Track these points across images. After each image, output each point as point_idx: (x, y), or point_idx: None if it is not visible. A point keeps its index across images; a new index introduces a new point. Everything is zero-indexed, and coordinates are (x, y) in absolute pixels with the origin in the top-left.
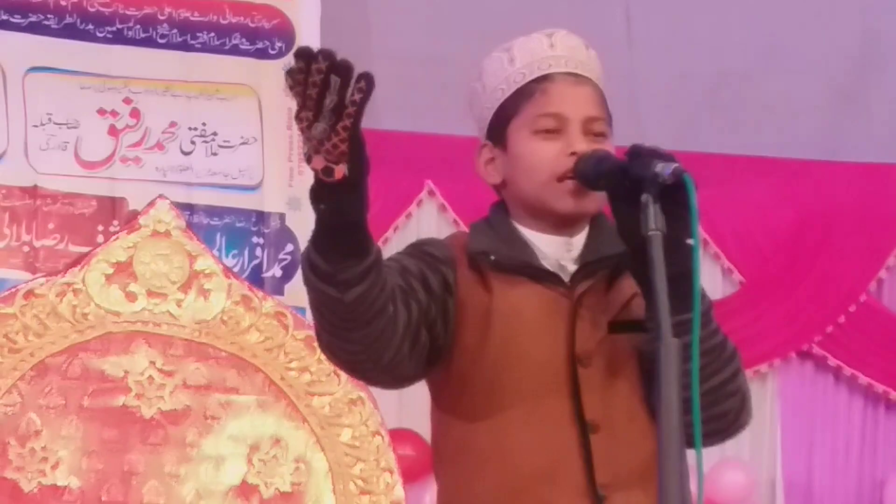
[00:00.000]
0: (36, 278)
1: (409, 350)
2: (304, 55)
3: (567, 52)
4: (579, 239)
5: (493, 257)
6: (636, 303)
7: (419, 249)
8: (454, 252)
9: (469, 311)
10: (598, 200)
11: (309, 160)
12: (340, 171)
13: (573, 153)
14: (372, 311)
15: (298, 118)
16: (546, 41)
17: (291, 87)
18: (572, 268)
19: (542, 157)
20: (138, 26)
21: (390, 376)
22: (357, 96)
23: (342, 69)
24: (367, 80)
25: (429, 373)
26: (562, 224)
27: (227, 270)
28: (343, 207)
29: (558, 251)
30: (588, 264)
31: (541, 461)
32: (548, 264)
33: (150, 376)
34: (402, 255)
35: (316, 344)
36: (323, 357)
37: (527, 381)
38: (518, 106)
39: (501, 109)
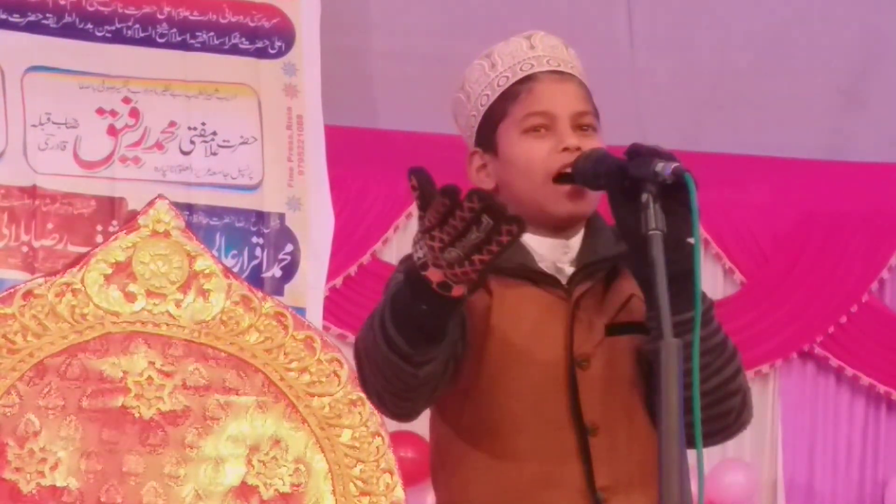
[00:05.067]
0: (35, 278)
1: (444, 386)
2: (453, 195)
3: (548, 51)
4: (575, 241)
5: None
6: (634, 304)
7: None
8: None
9: (474, 315)
10: (593, 202)
11: (423, 267)
12: (460, 290)
13: (565, 148)
14: (436, 377)
15: (431, 236)
16: (525, 43)
17: (415, 190)
18: (569, 270)
19: (534, 156)
20: (137, 25)
21: (419, 413)
22: (506, 238)
23: (495, 212)
24: (520, 226)
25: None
26: (558, 227)
27: (227, 270)
28: (444, 314)
29: (555, 253)
30: (585, 266)
31: (540, 464)
32: (545, 267)
33: (150, 377)
34: None
35: (316, 346)
36: (323, 357)
37: (526, 383)
38: (505, 109)
39: (488, 115)
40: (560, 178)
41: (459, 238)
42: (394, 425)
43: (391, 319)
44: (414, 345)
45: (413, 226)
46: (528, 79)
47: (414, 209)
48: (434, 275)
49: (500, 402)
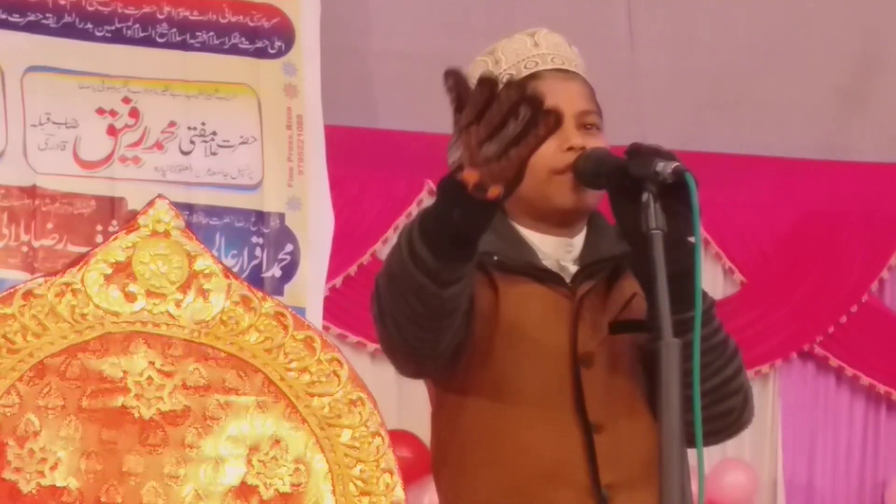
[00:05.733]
0: (35, 278)
1: (463, 331)
2: (490, 85)
3: (552, 49)
4: (578, 239)
5: (496, 257)
6: (636, 302)
7: None
8: None
9: (478, 310)
10: (597, 195)
11: (459, 169)
12: (496, 191)
13: (570, 148)
14: (459, 307)
15: (468, 132)
16: (529, 41)
17: (451, 91)
18: (572, 268)
19: (539, 155)
20: (137, 25)
21: (432, 363)
22: (544, 130)
23: (534, 102)
24: (557, 119)
25: (441, 371)
26: (562, 220)
27: (227, 270)
28: (478, 221)
29: (558, 251)
30: (589, 265)
31: (545, 461)
32: (549, 264)
33: (150, 377)
34: None
35: (316, 346)
36: (323, 357)
37: (531, 381)
38: None
39: None
40: (562, 174)
41: (497, 132)
42: (392, 425)
43: (419, 236)
44: (442, 259)
45: None
46: (533, 77)
47: (414, 209)
48: (470, 176)
49: (504, 399)
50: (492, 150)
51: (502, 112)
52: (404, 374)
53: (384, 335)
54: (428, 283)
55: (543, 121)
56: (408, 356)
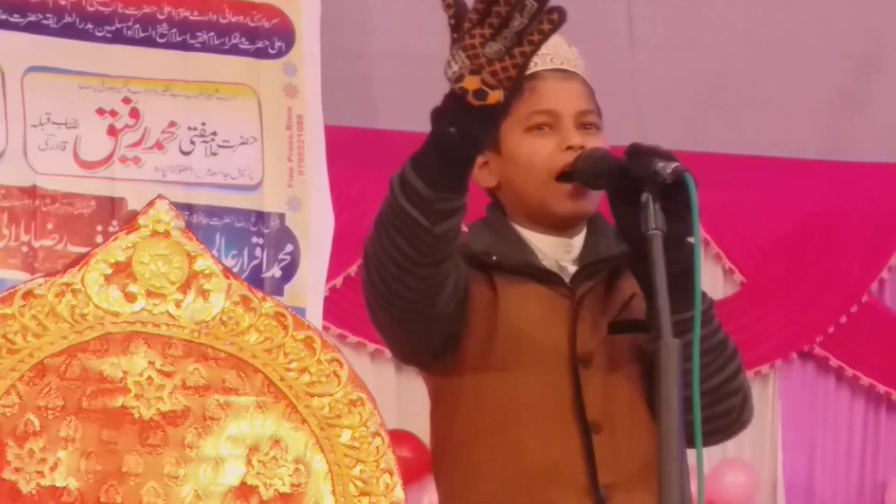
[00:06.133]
0: (35, 279)
1: (453, 309)
2: None
3: (551, 49)
4: (578, 240)
5: (494, 257)
6: (636, 303)
7: None
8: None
9: (477, 308)
10: (595, 201)
11: (458, 79)
12: (496, 96)
13: (569, 147)
14: (449, 250)
15: (471, 35)
16: None
17: (450, 7)
18: (572, 268)
19: (538, 154)
20: (137, 26)
21: (426, 333)
22: (547, 26)
23: None
24: (560, 14)
25: (437, 362)
26: (560, 225)
27: (227, 271)
28: (475, 136)
29: (557, 252)
30: (588, 265)
31: (544, 461)
32: (548, 264)
33: (150, 377)
34: None
35: (316, 346)
36: (323, 357)
37: (530, 380)
38: None
39: None
40: (563, 176)
41: (502, 28)
42: (391, 425)
43: (411, 168)
44: (435, 186)
45: None
46: (532, 77)
47: None
48: (472, 83)
49: (504, 398)
50: (495, 48)
51: (510, 4)
52: (397, 353)
53: (372, 295)
54: (419, 216)
55: (548, 18)
56: (396, 318)
